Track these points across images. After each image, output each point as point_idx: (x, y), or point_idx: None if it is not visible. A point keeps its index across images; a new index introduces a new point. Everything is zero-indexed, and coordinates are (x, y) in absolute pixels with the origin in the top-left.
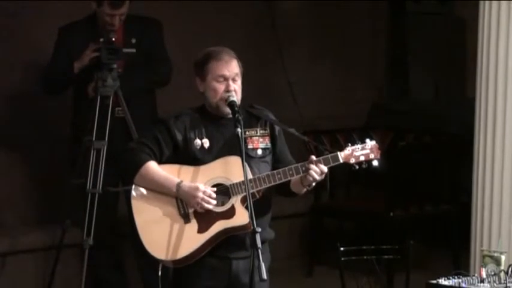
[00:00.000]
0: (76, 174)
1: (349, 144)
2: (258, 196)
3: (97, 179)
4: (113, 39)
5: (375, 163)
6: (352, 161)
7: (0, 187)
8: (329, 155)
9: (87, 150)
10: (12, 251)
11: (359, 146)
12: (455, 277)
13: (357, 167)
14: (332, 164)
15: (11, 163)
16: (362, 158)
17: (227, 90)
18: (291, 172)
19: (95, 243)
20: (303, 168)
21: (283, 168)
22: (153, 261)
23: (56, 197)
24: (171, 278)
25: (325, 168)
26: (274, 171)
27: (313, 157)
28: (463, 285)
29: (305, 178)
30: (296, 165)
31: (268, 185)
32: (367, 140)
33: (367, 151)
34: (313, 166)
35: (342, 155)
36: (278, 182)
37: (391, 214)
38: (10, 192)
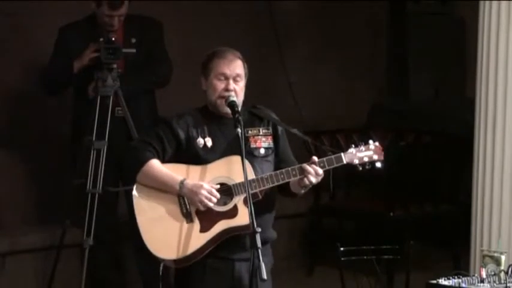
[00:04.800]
0: (76, 174)
1: (352, 146)
2: (260, 196)
3: (97, 179)
4: (113, 39)
5: (378, 164)
6: (356, 161)
7: (0, 187)
8: (332, 156)
9: (87, 150)
10: (12, 251)
11: (362, 147)
12: (455, 277)
13: (361, 168)
14: (336, 165)
15: (11, 163)
16: (366, 159)
17: (226, 89)
18: (294, 172)
19: (95, 243)
20: (303, 169)
21: (286, 169)
22: (153, 260)
23: (56, 197)
24: (172, 280)
25: (320, 170)
26: (278, 172)
27: (315, 158)
28: (463, 285)
29: (302, 180)
30: (299, 165)
31: (271, 185)
32: (370, 141)
33: (371, 152)
34: (309, 168)
35: (345, 156)
36: (281, 182)
37: (391, 214)
38: (10, 192)
